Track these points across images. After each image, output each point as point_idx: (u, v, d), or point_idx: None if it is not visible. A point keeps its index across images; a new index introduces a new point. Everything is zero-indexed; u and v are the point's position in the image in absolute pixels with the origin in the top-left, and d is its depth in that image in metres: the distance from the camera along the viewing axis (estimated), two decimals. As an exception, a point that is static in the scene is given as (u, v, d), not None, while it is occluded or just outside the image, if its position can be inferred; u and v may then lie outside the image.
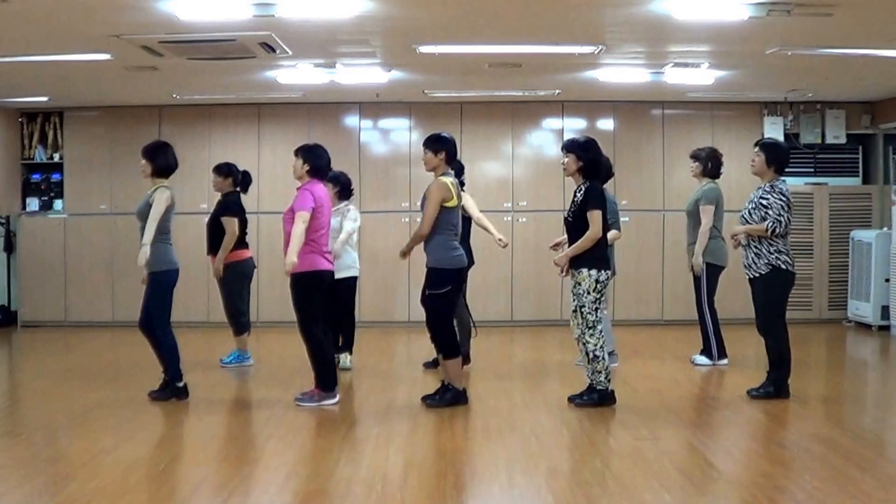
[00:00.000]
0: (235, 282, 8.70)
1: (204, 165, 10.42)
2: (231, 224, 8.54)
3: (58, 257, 11.76)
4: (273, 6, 6.37)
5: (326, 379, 7.10)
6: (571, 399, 7.02)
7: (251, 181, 8.95)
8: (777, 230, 6.94)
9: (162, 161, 7.25)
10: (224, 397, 7.84)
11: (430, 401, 7.03)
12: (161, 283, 7.19)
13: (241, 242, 8.70)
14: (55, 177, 11.91)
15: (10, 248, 11.82)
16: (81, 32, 7.19)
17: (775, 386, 7.09)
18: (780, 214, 6.95)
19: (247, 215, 8.85)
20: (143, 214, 7.14)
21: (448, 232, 6.97)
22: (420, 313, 7.31)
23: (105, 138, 11.75)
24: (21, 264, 11.82)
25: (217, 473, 5.45)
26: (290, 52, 8.02)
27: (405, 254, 7.32)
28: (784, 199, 6.99)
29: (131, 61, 8.33)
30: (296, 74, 9.20)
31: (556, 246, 7.79)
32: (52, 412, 7.01)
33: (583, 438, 6.26)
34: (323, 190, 7.20)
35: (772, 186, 7.06)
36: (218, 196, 8.85)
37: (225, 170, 8.79)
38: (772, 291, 7.08)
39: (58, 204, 11.89)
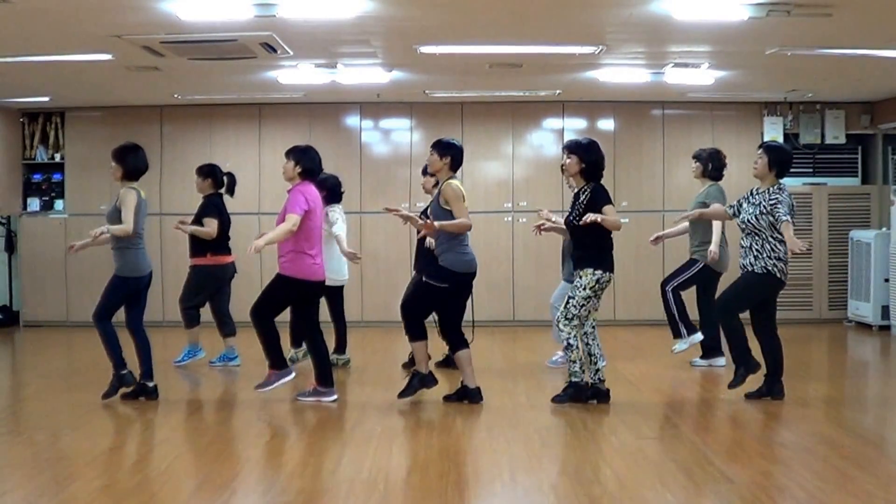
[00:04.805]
0: (207, 284, 8.61)
1: (205, 166, 10.41)
2: (211, 224, 8.45)
3: (59, 257, 11.74)
4: (274, 6, 6.37)
5: (279, 362, 7.09)
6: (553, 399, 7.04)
7: (236, 183, 8.82)
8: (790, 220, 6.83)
9: (131, 164, 7.19)
10: (226, 397, 7.86)
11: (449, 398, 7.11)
12: (121, 286, 7.15)
13: (223, 247, 8.63)
14: (56, 177, 11.92)
15: (11, 248, 11.84)
16: (82, 32, 7.19)
17: (767, 385, 7.08)
18: (791, 208, 6.88)
19: (230, 218, 8.73)
20: (113, 219, 7.11)
21: (460, 234, 7.00)
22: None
23: (106, 138, 11.65)
24: (22, 264, 11.83)
25: (219, 472, 5.45)
26: (291, 53, 8.03)
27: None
28: (790, 199, 6.94)
29: (132, 61, 8.34)
30: (297, 74, 9.20)
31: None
32: (54, 412, 7.02)
33: (585, 437, 6.27)
34: (315, 192, 7.20)
35: (779, 188, 7.00)
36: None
37: (206, 171, 8.71)
38: (749, 290, 7.05)
39: (59, 204, 11.90)
